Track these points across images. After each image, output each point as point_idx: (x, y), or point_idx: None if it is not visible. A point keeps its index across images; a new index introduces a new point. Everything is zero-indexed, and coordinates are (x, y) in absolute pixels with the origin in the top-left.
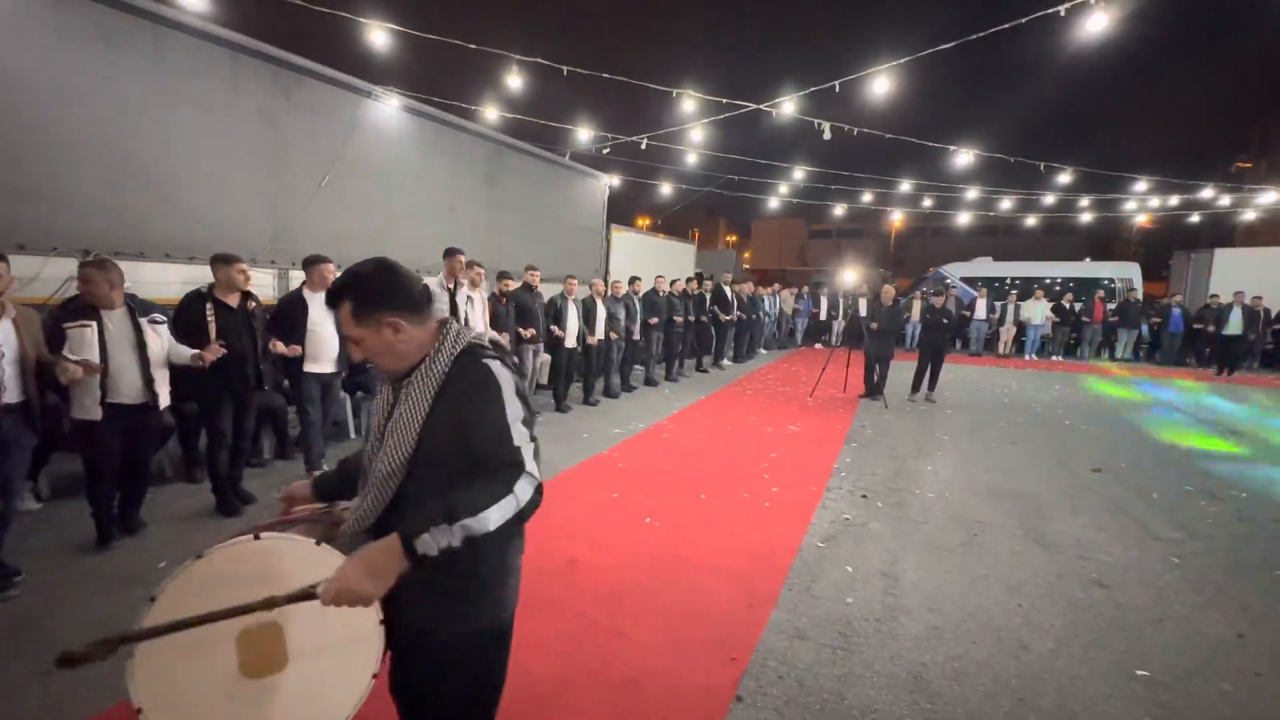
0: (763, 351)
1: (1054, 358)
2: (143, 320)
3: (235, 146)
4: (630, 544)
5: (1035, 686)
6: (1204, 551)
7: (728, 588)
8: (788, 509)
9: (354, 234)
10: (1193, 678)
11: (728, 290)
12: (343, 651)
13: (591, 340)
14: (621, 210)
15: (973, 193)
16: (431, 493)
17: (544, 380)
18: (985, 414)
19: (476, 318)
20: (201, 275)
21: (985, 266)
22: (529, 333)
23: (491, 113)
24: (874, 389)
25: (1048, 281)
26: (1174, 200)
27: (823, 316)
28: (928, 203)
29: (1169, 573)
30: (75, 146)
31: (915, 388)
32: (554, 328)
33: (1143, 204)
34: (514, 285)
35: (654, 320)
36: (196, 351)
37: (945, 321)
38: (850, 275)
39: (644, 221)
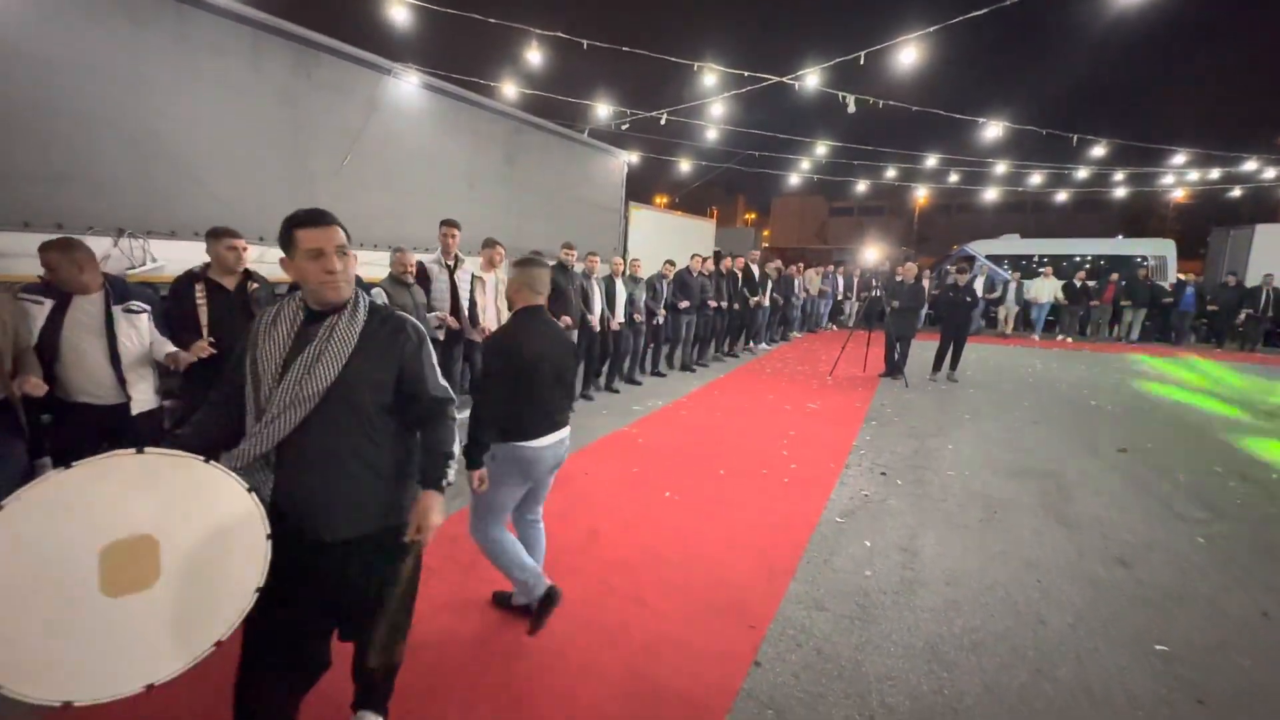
0: (796, 335)
1: (1062, 337)
2: (117, 308)
3: (257, 125)
4: (650, 517)
5: (1052, 659)
6: (1231, 532)
7: (746, 560)
8: (806, 485)
9: (374, 213)
10: (1213, 653)
11: (756, 270)
12: (225, 565)
13: (614, 324)
14: (639, 187)
15: (1001, 167)
16: (342, 428)
17: None
18: (1008, 394)
19: (489, 302)
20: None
21: (1012, 244)
22: (564, 321)
23: (510, 89)
24: (895, 368)
25: (1077, 259)
26: (1214, 174)
27: (839, 296)
28: (954, 178)
29: (1194, 553)
30: (104, 126)
31: (937, 367)
32: (586, 313)
33: (1180, 178)
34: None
35: (684, 304)
36: (172, 351)
37: (968, 300)
38: (872, 253)
39: (661, 199)
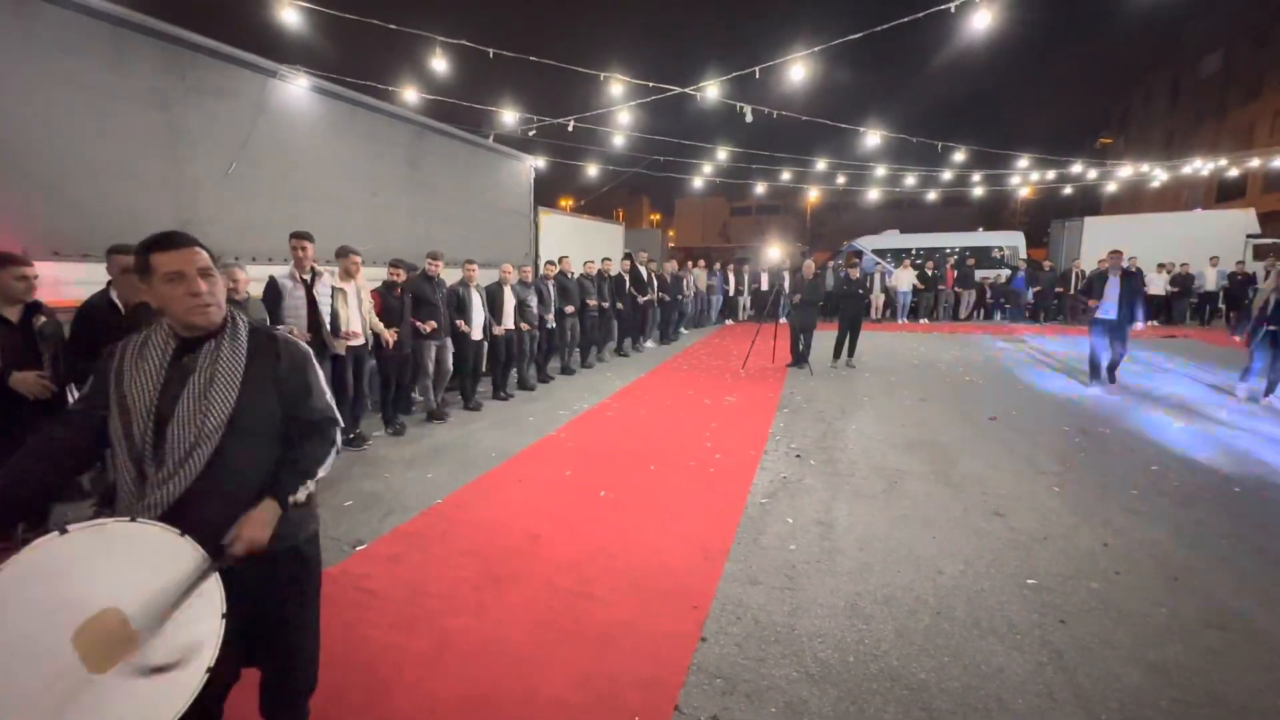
0: (684, 332)
1: (922, 320)
2: None
3: (125, 132)
4: (588, 516)
5: (949, 602)
6: (1078, 480)
7: (684, 546)
8: (731, 472)
9: (268, 223)
10: (1069, 581)
11: (644, 270)
12: (179, 634)
13: (499, 330)
14: (543, 192)
15: (880, 170)
16: (249, 459)
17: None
18: (899, 375)
19: (352, 314)
20: (100, 274)
21: (893, 239)
22: (429, 326)
23: (411, 94)
24: (800, 358)
25: (947, 251)
26: (1050, 174)
27: (731, 293)
28: (841, 180)
29: (1051, 499)
30: None
31: (836, 355)
32: (459, 321)
33: (1024, 178)
34: (401, 274)
35: (570, 309)
36: None
37: (860, 291)
38: (774, 252)
39: (566, 202)
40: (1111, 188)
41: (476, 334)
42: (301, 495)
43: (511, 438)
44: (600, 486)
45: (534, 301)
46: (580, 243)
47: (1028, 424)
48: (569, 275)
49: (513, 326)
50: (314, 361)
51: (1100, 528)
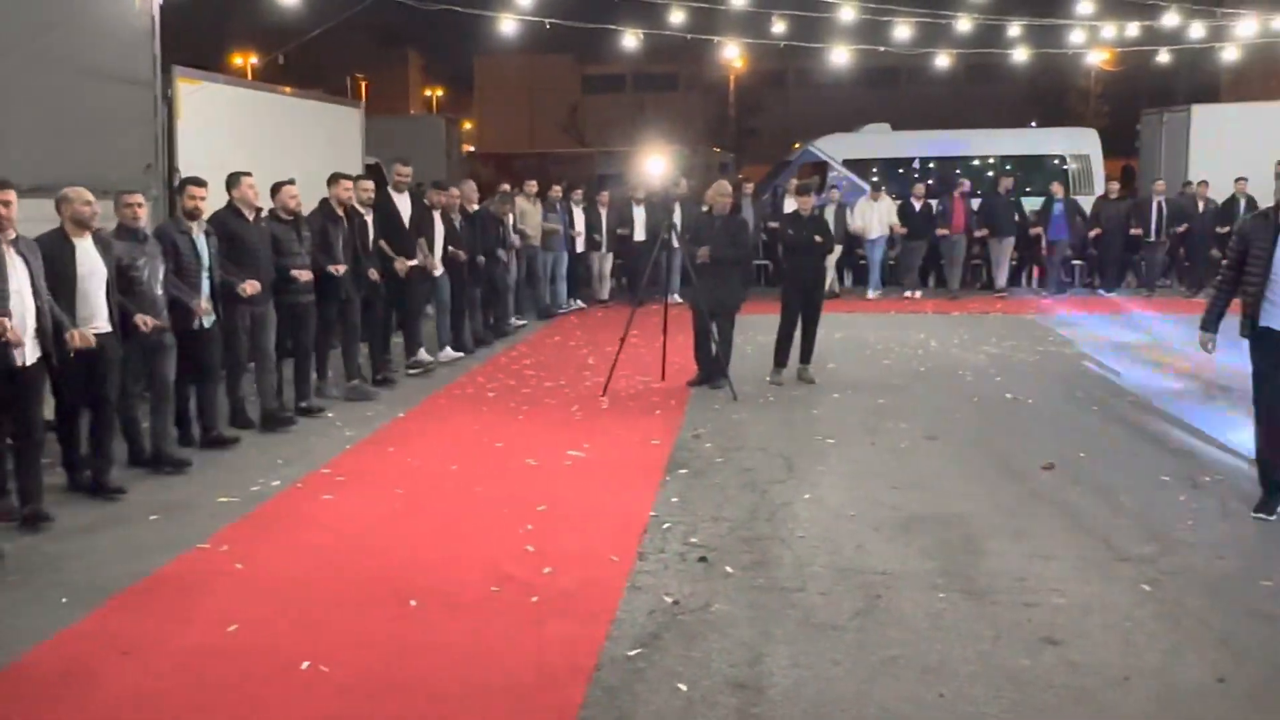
0: (518, 322)
1: (910, 294)
2: None
3: None
4: (277, 711)
5: None
6: (1180, 569)
7: None
8: (572, 601)
9: None
10: None
11: (402, 204)
12: None
13: (77, 340)
14: (189, 39)
15: (849, 11)
16: None
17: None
18: (890, 394)
19: None
20: None
21: (881, 139)
22: None
23: None
24: (712, 368)
25: (975, 162)
26: (1136, 29)
27: (579, 246)
28: (780, 28)
29: (1138, 607)
30: None
31: (780, 360)
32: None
33: (1094, 36)
34: None
35: (248, 287)
36: None
37: (820, 241)
38: (657, 164)
39: (243, 60)
40: (1233, 55)
41: (29, 353)
42: None
43: (98, 552)
44: (302, 653)
45: (158, 273)
46: (274, 145)
47: (1107, 474)
48: (250, 214)
49: (104, 325)
50: None
51: (1213, 651)
